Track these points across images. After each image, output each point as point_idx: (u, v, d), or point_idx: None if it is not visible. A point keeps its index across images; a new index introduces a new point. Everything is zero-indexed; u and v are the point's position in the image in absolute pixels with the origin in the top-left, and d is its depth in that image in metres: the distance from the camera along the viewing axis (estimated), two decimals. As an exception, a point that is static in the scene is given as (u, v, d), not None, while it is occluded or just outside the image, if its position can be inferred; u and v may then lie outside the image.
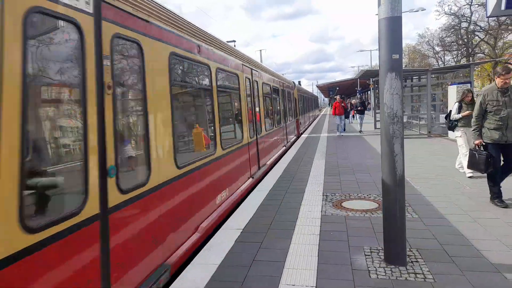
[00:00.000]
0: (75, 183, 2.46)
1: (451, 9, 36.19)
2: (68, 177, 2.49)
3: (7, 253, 1.83)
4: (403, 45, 3.55)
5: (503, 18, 28.45)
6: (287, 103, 14.47)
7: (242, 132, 6.79)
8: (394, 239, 3.42)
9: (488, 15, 6.33)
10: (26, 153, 1.99)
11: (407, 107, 18.48)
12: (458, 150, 7.28)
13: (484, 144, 5.20)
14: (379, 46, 3.35)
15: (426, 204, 5.28)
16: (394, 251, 3.43)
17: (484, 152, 5.08)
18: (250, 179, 7.07)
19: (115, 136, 2.75)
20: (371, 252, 3.74)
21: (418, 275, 3.21)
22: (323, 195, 6.06)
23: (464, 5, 34.80)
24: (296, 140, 15.75)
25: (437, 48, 42.86)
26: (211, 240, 4.31)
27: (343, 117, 17.02)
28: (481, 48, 37.81)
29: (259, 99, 8.66)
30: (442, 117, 16.20)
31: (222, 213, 5.09)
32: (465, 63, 29.27)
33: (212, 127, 5.15)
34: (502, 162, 5.19)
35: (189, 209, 4.12)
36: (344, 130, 17.23)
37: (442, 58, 43.78)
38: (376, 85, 19.33)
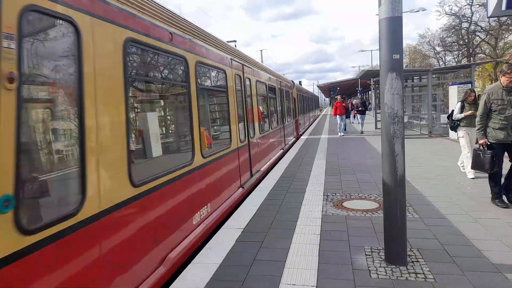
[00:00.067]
0: None
1: (451, 9, 36.17)
2: None
3: None
4: (404, 45, 3.56)
5: (504, 19, 28.40)
6: (285, 103, 13.62)
7: (230, 136, 5.96)
8: (394, 239, 3.42)
9: (488, 16, 6.33)
10: None
11: (408, 107, 18.47)
12: (461, 150, 7.24)
13: (488, 143, 5.12)
14: (380, 46, 3.35)
15: (427, 204, 5.28)
16: (395, 251, 3.43)
17: (489, 151, 5.00)
18: (240, 190, 6.25)
19: (17, 150, 1.92)
20: (371, 252, 3.75)
21: (418, 275, 3.21)
22: (323, 195, 6.06)
23: (465, 6, 34.79)
24: (295, 141, 15.16)
25: (438, 48, 42.85)
26: (212, 239, 4.32)
27: (343, 117, 17.01)
28: (482, 48, 37.77)
29: (252, 99, 7.83)
30: (443, 117, 16.19)
31: (202, 234, 4.32)
32: (466, 63, 29.25)
33: (189, 132, 4.35)
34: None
35: (150, 238, 3.21)
36: (345, 130, 17.18)
37: (443, 58, 43.75)
38: (377, 85, 19.33)
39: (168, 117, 4.81)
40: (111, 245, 2.63)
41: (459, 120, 7.00)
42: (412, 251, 3.70)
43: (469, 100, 6.92)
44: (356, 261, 3.55)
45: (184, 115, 4.40)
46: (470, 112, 6.80)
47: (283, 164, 9.41)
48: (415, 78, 18.03)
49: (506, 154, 5.13)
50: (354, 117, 25.80)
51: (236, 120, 6.33)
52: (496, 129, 5.03)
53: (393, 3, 3.22)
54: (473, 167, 5.33)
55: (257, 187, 6.97)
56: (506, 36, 34.13)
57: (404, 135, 3.36)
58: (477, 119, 5.23)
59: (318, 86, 59.03)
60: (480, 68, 36.58)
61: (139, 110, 3.92)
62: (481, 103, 5.19)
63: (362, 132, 17.53)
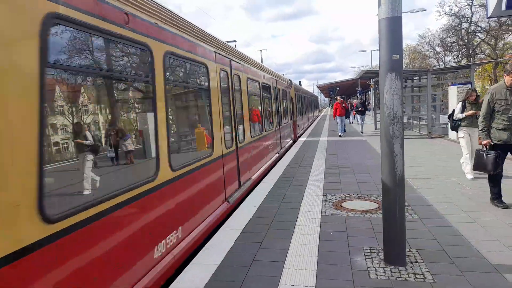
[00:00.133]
0: None
1: (451, 9, 36.25)
2: None
3: None
4: (404, 45, 3.55)
5: (503, 19, 28.44)
6: (281, 103, 12.69)
7: (213, 142, 5.10)
8: (393, 240, 3.42)
9: (488, 16, 6.32)
10: None
11: (408, 108, 18.48)
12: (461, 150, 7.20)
13: (492, 144, 5.04)
14: (379, 46, 3.35)
15: (426, 205, 5.28)
16: (394, 251, 3.43)
17: (493, 152, 4.93)
18: (225, 204, 5.38)
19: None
20: (371, 252, 3.74)
21: (417, 276, 3.21)
22: (323, 195, 6.05)
23: (465, 6, 34.85)
24: (293, 144, 14.29)
25: (438, 49, 42.89)
26: (211, 239, 4.32)
27: (343, 117, 16.97)
28: (482, 48, 37.81)
29: (242, 98, 6.99)
30: (442, 118, 16.21)
31: (169, 267, 3.48)
32: (466, 63, 29.26)
33: (153, 141, 3.48)
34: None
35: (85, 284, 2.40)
36: (344, 131, 17.13)
37: (443, 59, 43.79)
38: (377, 86, 19.33)
39: (124, 121, 3.52)
40: None
41: (460, 120, 6.92)
42: (411, 251, 3.70)
43: (471, 100, 6.85)
44: (355, 261, 3.55)
45: (146, 118, 3.53)
46: (471, 112, 6.74)
47: (280, 166, 9.41)
48: (414, 78, 18.04)
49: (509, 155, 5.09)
50: (354, 117, 25.78)
51: (221, 123, 5.45)
52: (499, 129, 4.97)
53: (393, 3, 3.22)
54: (475, 168, 5.25)
55: (257, 187, 6.97)
56: (506, 36, 34.18)
57: (403, 135, 3.36)
58: (480, 119, 5.16)
59: (317, 87, 59.03)
60: (480, 69, 36.64)
61: (76, 113, 2.83)
62: (484, 103, 5.11)
63: (362, 133, 17.53)
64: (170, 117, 3.89)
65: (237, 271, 3.46)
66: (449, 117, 7.39)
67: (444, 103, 16.58)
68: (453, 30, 37.26)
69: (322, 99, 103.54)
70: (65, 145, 2.65)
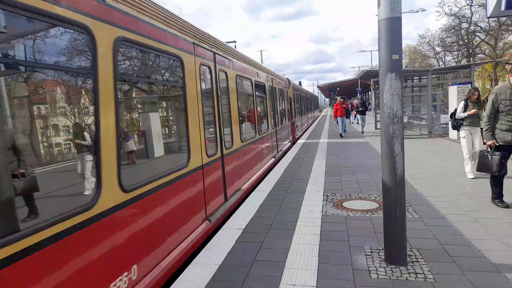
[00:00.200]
0: None
1: (451, 9, 36.27)
2: None
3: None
4: (404, 45, 3.56)
5: (503, 19, 28.44)
6: (278, 104, 11.82)
7: (189, 151, 4.24)
8: (394, 239, 3.42)
9: (488, 16, 6.33)
10: None
11: (408, 108, 18.48)
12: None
13: (497, 145, 4.98)
14: (379, 46, 3.36)
15: (426, 204, 5.28)
16: (395, 251, 3.44)
17: (498, 153, 4.87)
18: (205, 224, 4.50)
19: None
20: (371, 252, 3.75)
21: (418, 275, 3.21)
22: (323, 195, 6.06)
23: (465, 6, 34.85)
24: (291, 147, 13.48)
25: (438, 49, 42.91)
26: (212, 240, 4.32)
27: (344, 118, 16.93)
28: (482, 48, 37.81)
29: (229, 98, 6.09)
30: (442, 118, 16.22)
31: None
32: (466, 63, 29.26)
33: (95, 153, 2.66)
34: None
35: None
36: (345, 131, 17.08)
37: (443, 59, 43.80)
38: (377, 86, 19.34)
39: (51, 127, 2.59)
40: None
41: (462, 119, 6.86)
42: (412, 251, 3.70)
43: (473, 99, 6.80)
44: (356, 261, 3.56)
45: (90, 124, 2.72)
46: (473, 111, 6.69)
47: (283, 164, 9.41)
48: (415, 78, 18.06)
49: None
50: (355, 117, 25.76)
51: (200, 127, 4.61)
52: (503, 130, 4.90)
53: (392, 4, 3.23)
54: (478, 170, 5.19)
55: (257, 187, 6.97)
56: (506, 36, 34.17)
57: (403, 135, 3.37)
58: (485, 119, 5.09)
59: (318, 87, 59.04)
60: (480, 69, 36.64)
61: None
62: (489, 103, 5.05)
63: (362, 132, 17.52)
64: (127, 123, 3.09)
65: (238, 271, 3.47)
66: (451, 116, 7.32)
67: (444, 103, 16.58)
68: (453, 30, 37.27)
69: (323, 99, 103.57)
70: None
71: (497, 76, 36.28)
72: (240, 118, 6.85)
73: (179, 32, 4.22)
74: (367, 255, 3.68)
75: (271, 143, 9.91)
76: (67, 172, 2.66)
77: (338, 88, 46.57)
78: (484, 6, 28.84)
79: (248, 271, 3.46)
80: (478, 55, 37.74)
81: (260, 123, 8.78)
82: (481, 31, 35.08)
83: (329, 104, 71.68)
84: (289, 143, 13.82)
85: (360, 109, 18.78)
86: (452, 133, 13.06)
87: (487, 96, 8.21)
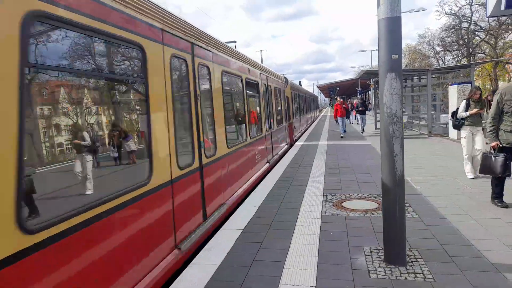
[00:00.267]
0: None
1: (451, 9, 36.24)
2: None
3: None
4: (404, 45, 3.58)
5: (503, 18, 28.43)
6: (274, 104, 10.97)
7: (151, 165, 3.38)
8: (393, 239, 3.42)
9: (488, 15, 6.33)
10: None
11: (408, 107, 18.48)
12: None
13: (501, 146, 4.92)
14: (379, 46, 3.36)
15: (426, 204, 5.28)
16: (394, 251, 3.43)
17: (502, 154, 4.80)
18: (172, 255, 3.62)
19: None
20: (371, 252, 3.75)
21: (418, 275, 3.21)
22: (323, 195, 6.06)
23: (465, 5, 34.84)
24: (288, 150, 12.61)
25: (438, 48, 42.92)
26: (211, 240, 4.32)
27: (344, 118, 16.88)
28: (482, 48, 37.81)
29: (213, 97, 5.23)
30: (442, 117, 16.22)
31: None
32: (466, 63, 29.27)
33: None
34: None
35: None
36: (345, 131, 17.00)
37: (443, 58, 43.82)
38: (377, 85, 19.32)
39: None
40: None
41: (464, 119, 6.79)
42: (412, 251, 3.70)
43: (475, 98, 6.74)
44: (356, 261, 3.55)
45: None
46: (475, 110, 6.63)
47: (282, 165, 9.40)
48: (414, 78, 18.05)
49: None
50: (355, 117, 25.70)
51: (169, 133, 3.75)
52: (507, 131, 4.83)
53: (392, 4, 3.23)
54: (481, 172, 5.13)
55: (257, 187, 6.96)
56: (506, 35, 34.16)
57: (403, 135, 3.36)
58: (489, 120, 5.03)
59: (318, 87, 59.04)
60: (480, 68, 36.62)
61: None
62: (493, 103, 4.99)
63: (363, 132, 17.50)
64: (20, 129, 2.00)
65: (237, 271, 3.47)
66: (452, 116, 7.23)
67: (444, 102, 16.58)
68: (453, 30, 37.27)
69: (322, 99, 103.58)
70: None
71: (497, 75, 36.28)
72: (227, 121, 5.98)
73: (140, 14, 3.35)
74: (367, 255, 3.68)
75: (265, 147, 9.00)
76: None
77: (338, 88, 46.56)
78: (484, 5, 28.84)
79: (247, 271, 3.45)
80: (478, 55, 37.74)
81: (252, 126, 7.94)
82: (481, 30, 35.09)
83: (329, 104, 71.66)
84: (287, 146, 12.99)
85: (360, 108, 18.76)
86: (452, 133, 13.06)
87: (487, 96, 8.18)
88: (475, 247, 3.73)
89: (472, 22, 35.29)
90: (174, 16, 4.16)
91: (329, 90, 49.26)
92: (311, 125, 26.93)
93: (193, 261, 3.76)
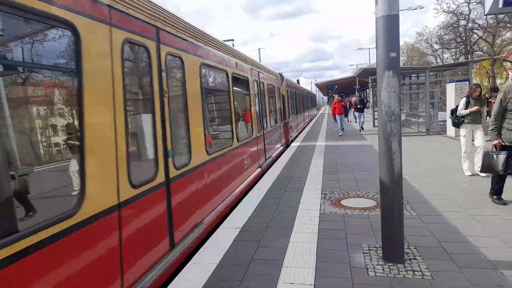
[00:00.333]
0: None
1: (449, 7, 36.42)
2: None
3: None
4: (402, 43, 3.59)
5: (501, 16, 28.47)
6: (267, 102, 10.07)
7: (83, 186, 2.49)
8: (392, 237, 3.43)
9: (485, 13, 6.33)
10: None
11: (406, 105, 18.51)
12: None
13: (503, 144, 4.90)
14: (377, 44, 3.35)
15: (424, 202, 5.29)
16: (392, 248, 3.44)
17: (504, 152, 4.76)
18: None
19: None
20: (369, 250, 3.75)
21: (416, 273, 3.22)
22: (321, 193, 6.06)
23: (462, 3, 34.87)
24: (284, 151, 11.86)
25: (436, 46, 43.01)
26: (209, 239, 4.32)
27: (342, 116, 16.87)
28: (480, 45, 37.89)
29: (187, 95, 4.34)
30: (440, 115, 16.26)
31: None
32: (464, 60, 29.30)
33: None
34: None
35: None
36: (343, 129, 16.99)
37: (441, 56, 43.91)
38: (375, 83, 19.33)
39: None
40: None
41: (464, 116, 6.74)
42: (410, 248, 3.71)
43: (475, 96, 6.69)
44: (354, 259, 3.56)
45: None
46: (475, 108, 6.59)
47: (280, 164, 9.40)
48: (412, 76, 18.08)
49: None
50: (353, 115, 25.64)
51: (117, 142, 2.89)
52: (510, 130, 4.80)
53: (390, 2, 3.22)
54: (483, 170, 5.12)
55: (255, 186, 6.96)
56: (504, 33, 34.23)
57: (401, 133, 3.37)
58: (491, 118, 5.00)
59: (316, 85, 59.06)
60: (478, 66, 36.69)
61: None
62: (497, 101, 4.96)
63: (362, 128, 17.48)
64: None
65: (236, 270, 3.47)
66: (452, 113, 7.16)
67: (442, 100, 16.64)
68: (450, 28, 37.33)
69: (321, 97, 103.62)
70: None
71: (494, 73, 36.38)
72: (208, 123, 5.24)
73: None
74: (365, 253, 3.69)
75: (256, 150, 8.04)
76: None
77: (336, 86, 46.59)
78: (482, 3, 28.86)
79: (246, 270, 3.45)
80: (476, 52, 37.82)
81: (240, 127, 7.08)
82: (479, 28, 35.14)
83: (327, 102, 71.70)
84: (282, 147, 12.04)
85: (358, 106, 18.76)
86: (450, 130, 13.10)
87: (485, 93, 8.18)
88: (473, 244, 3.74)
89: (470, 19, 35.35)
90: None
91: (327, 88, 49.27)
92: (309, 123, 26.44)
93: (192, 260, 3.76)
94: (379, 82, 3.35)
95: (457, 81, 13.41)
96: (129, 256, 2.95)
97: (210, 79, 5.69)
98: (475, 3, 33.50)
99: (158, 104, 3.61)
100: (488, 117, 9.28)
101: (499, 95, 4.95)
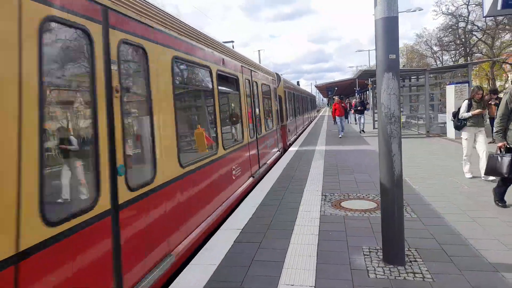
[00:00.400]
0: None
1: (448, 9, 36.35)
2: None
3: None
4: (401, 45, 3.59)
5: (500, 18, 28.54)
6: (262, 104, 9.28)
7: None
8: (392, 239, 3.42)
9: (484, 15, 6.36)
10: None
11: (406, 107, 18.53)
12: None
13: (508, 147, 4.85)
14: (376, 46, 3.36)
15: (424, 204, 5.29)
16: (393, 250, 3.44)
17: (508, 154, 4.72)
18: None
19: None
20: (370, 252, 3.75)
21: (416, 275, 3.22)
22: (322, 195, 6.06)
23: (462, 5, 34.94)
24: (281, 156, 11.16)
25: (435, 48, 43.04)
26: (210, 240, 4.31)
27: (343, 117, 16.85)
28: (479, 47, 37.93)
29: (151, 96, 3.49)
30: (440, 117, 16.26)
31: None
32: (463, 62, 29.36)
33: None
34: None
35: None
36: (343, 131, 16.92)
37: (440, 58, 43.94)
38: (375, 85, 19.35)
39: None
40: None
41: (466, 119, 6.65)
42: (410, 250, 3.70)
43: (477, 98, 6.63)
44: (354, 261, 3.56)
45: None
46: (477, 111, 6.52)
47: (281, 165, 9.40)
48: (412, 77, 18.09)
49: None
50: (354, 117, 25.57)
51: (25, 160, 2.00)
52: None
53: (389, 3, 3.23)
54: (487, 173, 5.07)
55: (256, 187, 6.96)
56: (503, 35, 34.31)
57: (401, 135, 3.37)
58: (497, 120, 4.96)
59: (316, 86, 59.15)
60: (477, 68, 36.75)
61: None
62: (502, 103, 4.92)
63: (364, 131, 17.46)
64: None
65: (236, 271, 3.46)
66: (454, 116, 7.05)
67: (442, 102, 16.63)
68: (450, 30, 37.39)
69: (320, 98, 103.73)
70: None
71: (494, 75, 36.43)
72: (182, 130, 4.39)
73: None
74: (365, 255, 3.68)
75: (248, 158, 7.20)
76: None
77: (336, 88, 46.68)
78: (481, 5, 28.93)
79: (246, 272, 3.45)
80: (476, 54, 37.87)
81: (227, 132, 6.27)
82: (478, 30, 35.21)
83: (327, 104, 71.74)
84: (278, 152, 11.22)
85: (359, 108, 18.75)
86: (450, 133, 13.10)
87: (484, 95, 8.18)
88: (474, 247, 3.74)
89: (469, 21, 35.41)
90: None
91: (327, 90, 49.34)
92: (308, 126, 25.79)
93: (192, 261, 3.75)
94: (379, 84, 3.36)
95: (456, 83, 13.42)
96: None
97: (187, 77, 4.94)
98: (474, 5, 33.59)
99: (103, 105, 2.73)
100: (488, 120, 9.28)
101: (505, 97, 4.92)
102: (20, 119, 1.99)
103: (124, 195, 2.91)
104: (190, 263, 3.73)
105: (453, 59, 40.16)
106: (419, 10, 26.49)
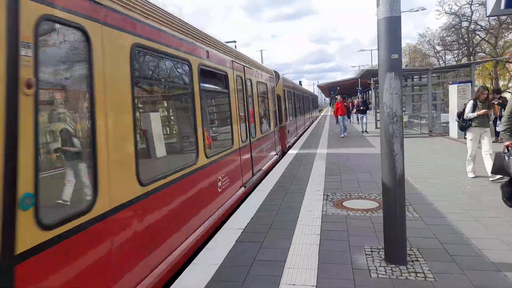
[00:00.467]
0: None
1: (451, 8, 36.15)
2: None
3: None
4: (404, 44, 3.58)
5: (503, 17, 28.38)
6: (257, 103, 8.50)
7: None
8: (394, 239, 3.42)
9: (487, 15, 6.34)
10: None
11: (408, 107, 18.49)
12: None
13: None
14: (378, 46, 3.36)
15: (427, 203, 5.28)
16: (395, 250, 3.44)
17: None
18: None
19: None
20: (371, 251, 3.75)
21: (418, 274, 3.21)
22: (323, 195, 6.06)
23: (465, 5, 34.75)
24: (279, 160, 10.33)
25: (438, 48, 42.82)
26: (212, 240, 4.32)
27: (345, 117, 16.82)
28: (482, 47, 37.75)
29: (93, 95, 2.59)
30: (443, 116, 16.20)
31: None
32: (466, 62, 29.23)
33: None
34: None
35: None
36: (346, 131, 16.86)
37: (443, 58, 43.75)
38: (377, 85, 19.28)
39: None
40: None
41: (471, 120, 6.60)
42: (412, 250, 3.70)
43: (482, 98, 6.59)
44: (356, 260, 3.56)
45: None
46: (483, 111, 6.48)
47: (282, 166, 9.39)
48: (415, 77, 18.06)
49: None
50: (356, 117, 25.47)
51: None
52: None
53: (392, 3, 3.23)
54: (494, 172, 5.01)
55: (257, 187, 6.96)
56: (506, 35, 34.12)
57: (403, 134, 3.37)
58: (504, 119, 4.94)
59: (318, 86, 59.09)
60: (480, 67, 36.57)
61: None
62: (510, 102, 4.90)
63: (366, 132, 17.42)
64: None
65: (238, 271, 3.47)
66: (459, 116, 6.97)
67: (445, 101, 16.58)
68: (453, 29, 37.20)
69: (323, 98, 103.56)
70: None
71: (497, 74, 36.24)
72: (149, 134, 3.69)
73: None
74: (367, 254, 3.68)
75: (239, 165, 6.35)
76: None
77: (338, 88, 46.60)
78: (484, 4, 28.80)
79: (248, 271, 3.46)
80: (479, 54, 37.69)
81: (212, 138, 5.59)
82: (481, 29, 35.02)
83: (330, 104, 71.60)
84: (276, 156, 10.39)
85: (361, 108, 18.70)
86: (453, 132, 13.06)
87: (488, 95, 8.14)
88: (476, 246, 3.73)
89: (472, 21, 35.23)
90: None
91: (330, 89, 49.26)
92: (310, 126, 25.08)
93: (194, 261, 3.77)
94: (381, 84, 3.36)
95: (459, 82, 13.38)
96: None
97: (155, 70, 4.06)
98: (477, 5, 33.41)
99: (3, 104, 1.86)
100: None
101: None
102: None
103: (33, 237, 1.97)
104: (192, 262, 3.74)
105: (456, 59, 39.98)
106: (422, 10, 26.40)
